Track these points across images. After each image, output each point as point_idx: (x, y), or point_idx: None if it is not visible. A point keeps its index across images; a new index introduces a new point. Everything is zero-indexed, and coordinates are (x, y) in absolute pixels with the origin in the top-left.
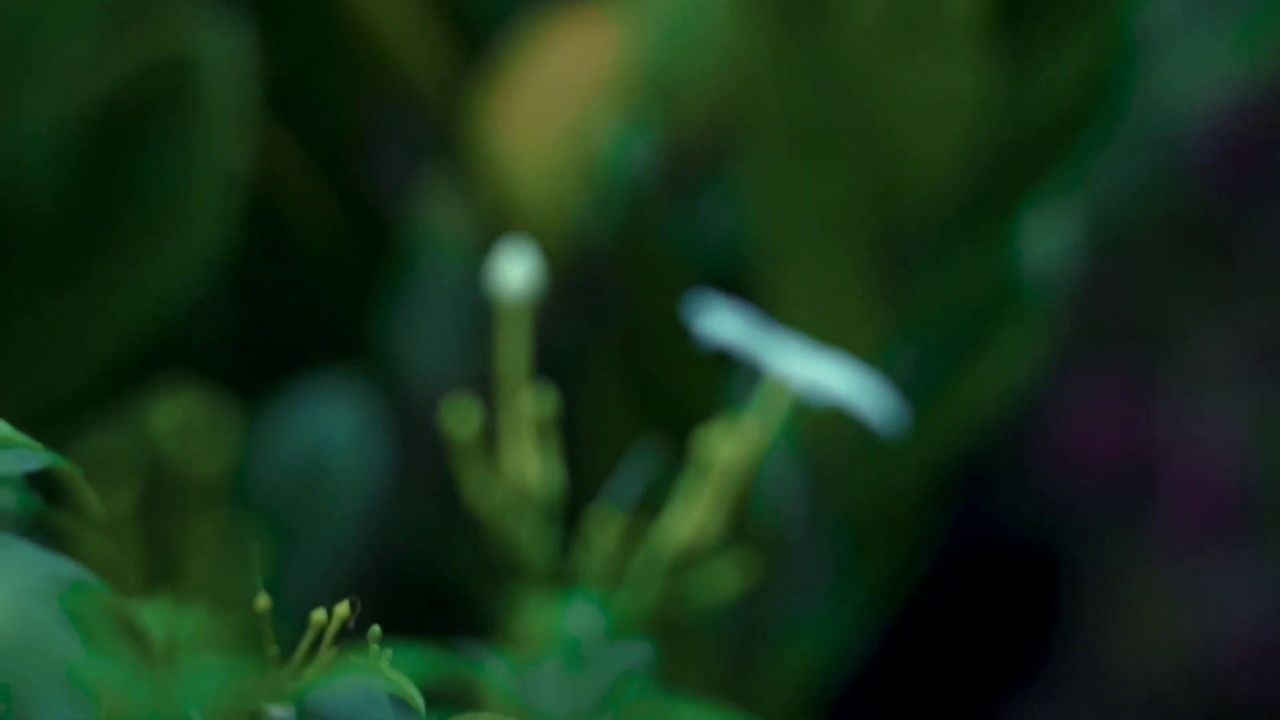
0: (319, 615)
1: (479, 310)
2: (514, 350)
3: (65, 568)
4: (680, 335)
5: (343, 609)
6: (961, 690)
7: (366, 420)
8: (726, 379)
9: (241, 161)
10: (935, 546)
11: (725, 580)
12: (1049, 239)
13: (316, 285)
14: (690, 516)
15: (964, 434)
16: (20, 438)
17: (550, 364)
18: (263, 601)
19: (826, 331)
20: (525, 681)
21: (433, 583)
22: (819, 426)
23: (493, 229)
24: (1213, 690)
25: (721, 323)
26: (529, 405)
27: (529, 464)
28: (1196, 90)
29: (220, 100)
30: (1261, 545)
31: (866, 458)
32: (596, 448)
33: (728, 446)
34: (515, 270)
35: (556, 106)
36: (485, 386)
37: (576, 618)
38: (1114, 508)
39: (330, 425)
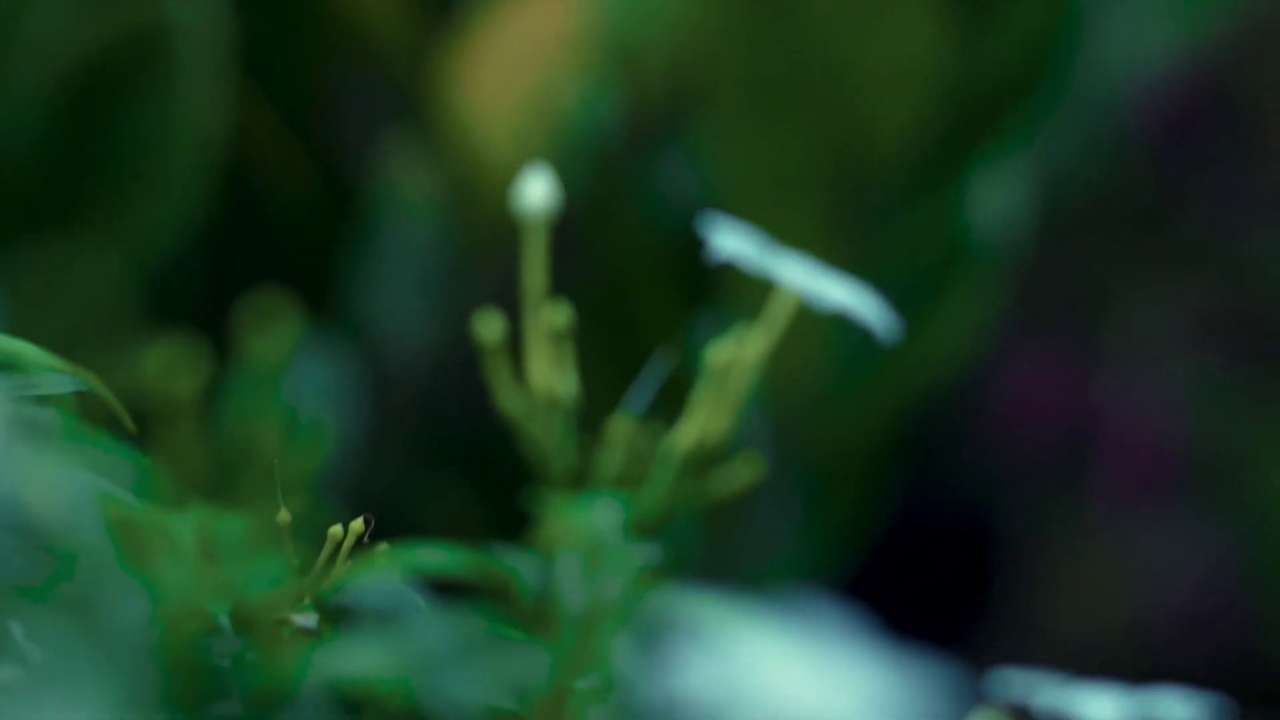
0: (335, 530)
1: (445, 266)
2: (535, 265)
3: (104, 475)
4: (645, 288)
5: (358, 524)
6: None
7: (336, 374)
8: (692, 328)
9: (215, 125)
10: (892, 501)
11: (734, 480)
12: (998, 201)
13: (286, 243)
14: (700, 421)
15: (917, 390)
16: (54, 360)
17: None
18: (283, 515)
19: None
20: (547, 577)
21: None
22: (779, 379)
23: (459, 187)
24: (1148, 651)
25: (732, 239)
26: (550, 318)
27: (550, 373)
28: (1138, 58)
29: (194, 65)
30: (1196, 510)
31: (825, 410)
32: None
33: (736, 351)
34: (537, 188)
35: (521, 68)
36: (451, 338)
37: (596, 515)
38: (1051, 472)
39: (300, 379)
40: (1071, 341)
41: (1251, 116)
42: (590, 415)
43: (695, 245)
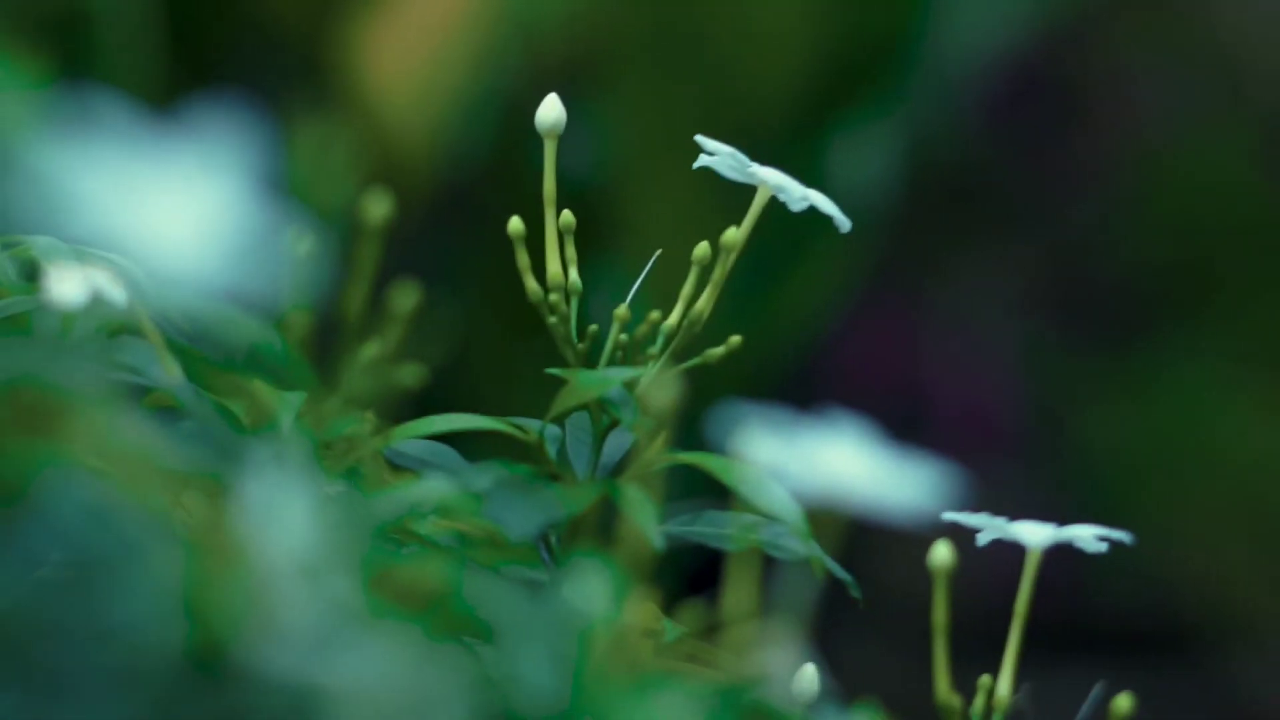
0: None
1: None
2: (550, 175)
3: None
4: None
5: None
6: None
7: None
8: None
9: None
10: None
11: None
12: (859, 165)
13: None
14: (683, 308)
15: (776, 346)
16: None
17: (427, 274)
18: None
19: (677, 241)
20: (557, 439)
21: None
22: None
23: (363, 152)
24: (984, 611)
25: (714, 152)
26: (559, 220)
27: (559, 267)
28: (981, 40)
29: (116, 47)
30: (1026, 463)
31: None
32: (469, 348)
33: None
34: (551, 110)
35: (422, 40)
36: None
37: (603, 390)
38: (889, 428)
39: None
40: (910, 304)
41: (1077, 97)
42: (503, 356)
43: (592, 197)
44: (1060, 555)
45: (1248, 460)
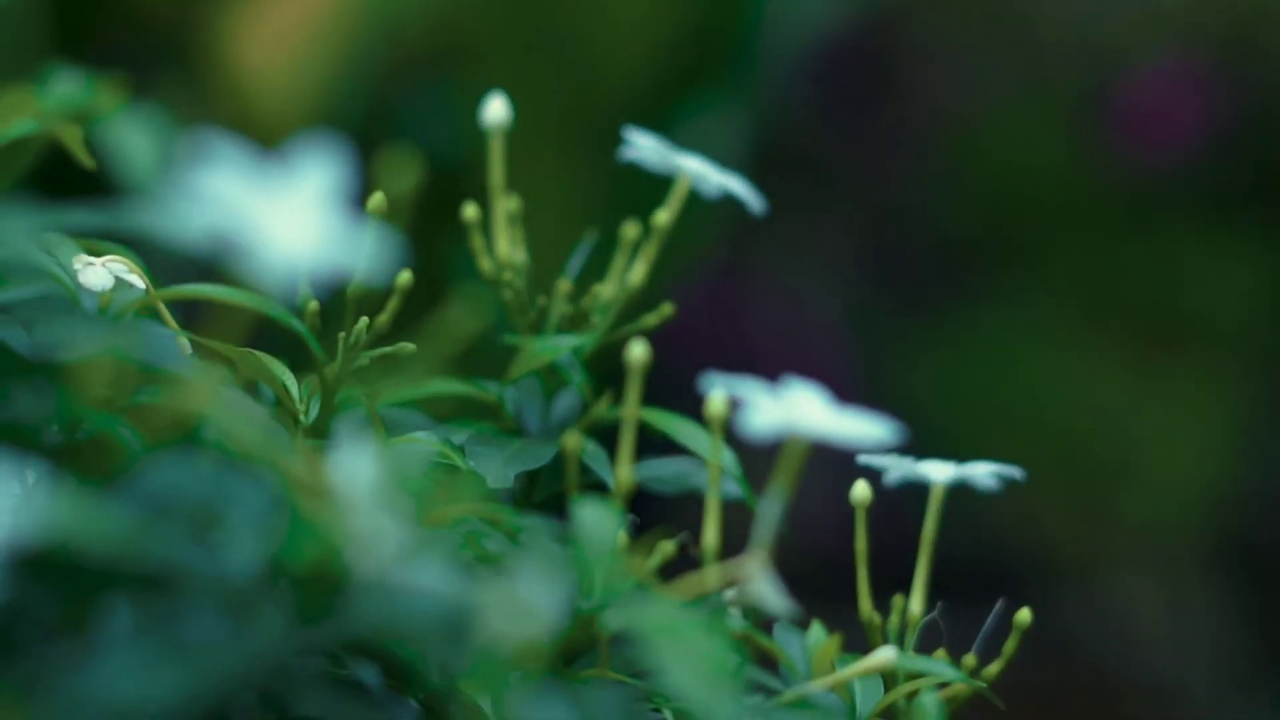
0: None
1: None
2: (497, 166)
3: None
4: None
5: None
6: None
7: None
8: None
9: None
10: None
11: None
12: (707, 146)
13: None
14: (619, 278)
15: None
16: None
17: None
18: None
19: (539, 216)
20: (513, 399)
21: None
22: None
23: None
24: (815, 553)
25: (641, 144)
26: (507, 205)
27: (507, 246)
28: (812, 14)
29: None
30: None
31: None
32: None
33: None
34: (496, 105)
35: (289, 31)
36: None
37: (554, 355)
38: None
39: None
40: (736, 271)
41: (895, 75)
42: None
43: (456, 176)
44: (886, 501)
45: (1059, 405)
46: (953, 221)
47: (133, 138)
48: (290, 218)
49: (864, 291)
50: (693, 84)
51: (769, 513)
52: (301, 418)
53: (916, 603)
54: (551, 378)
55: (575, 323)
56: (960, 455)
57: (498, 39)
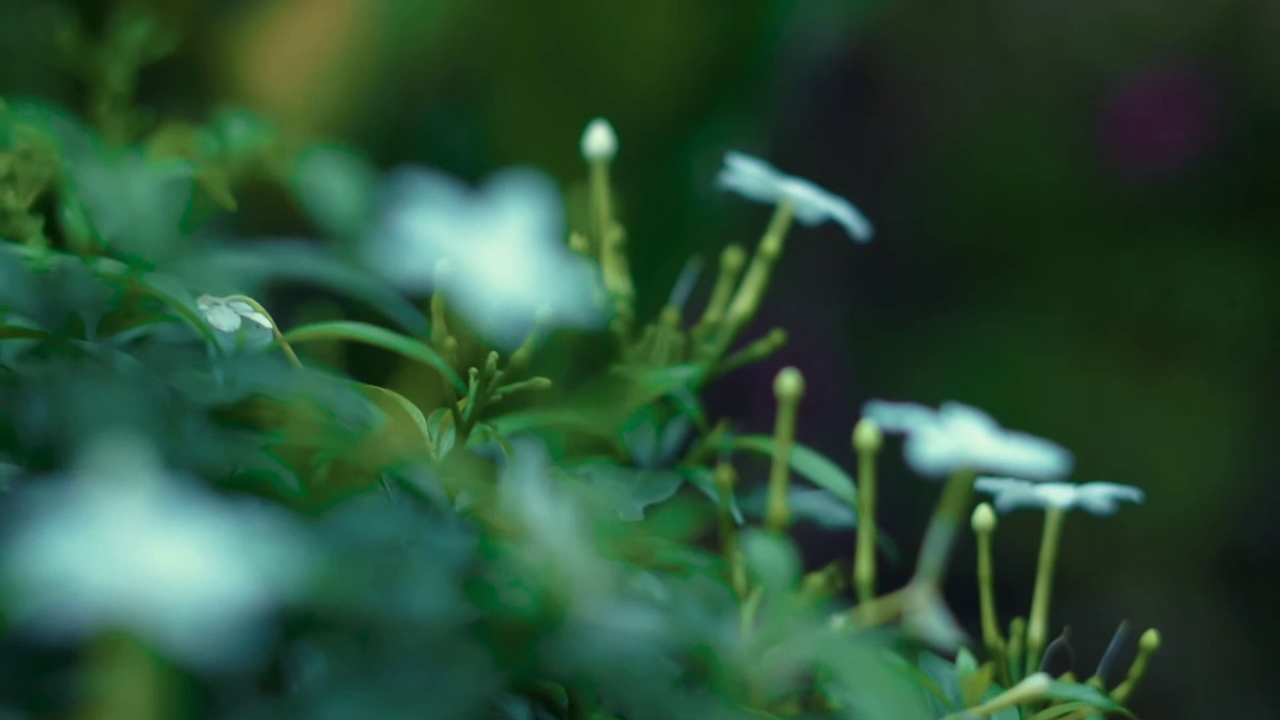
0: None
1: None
2: (601, 195)
3: None
4: None
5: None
6: None
7: None
8: None
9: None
10: None
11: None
12: (719, 162)
13: None
14: (720, 307)
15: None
16: None
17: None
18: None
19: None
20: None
21: None
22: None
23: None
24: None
25: (743, 171)
26: (612, 236)
27: (615, 275)
28: (814, 35)
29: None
30: (850, 435)
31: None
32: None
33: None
34: (600, 136)
35: (305, 57)
36: None
37: (668, 387)
38: (714, 405)
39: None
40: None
41: (887, 90)
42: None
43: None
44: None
45: (1058, 415)
46: (947, 235)
47: (333, 180)
48: (501, 259)
49: (860, 305)
50: (711, 108)
51: (937, 542)
52: (433, 454)
53: (1037, 627)
54: (661, 408)
55: (683, 352)
56: None
57: (517, 62)
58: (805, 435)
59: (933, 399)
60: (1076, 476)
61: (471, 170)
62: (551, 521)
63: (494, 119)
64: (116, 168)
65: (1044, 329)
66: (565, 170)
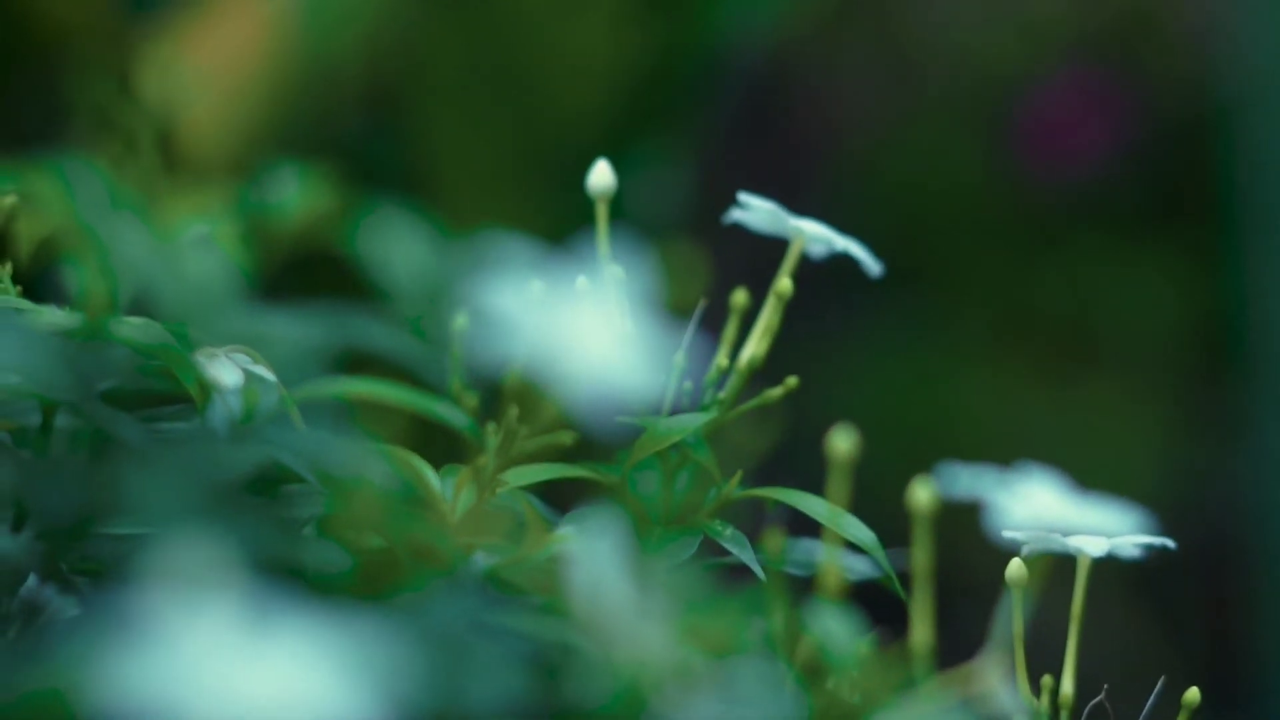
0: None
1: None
2: (604, 233)
3: None
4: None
5: None
6: None
7: None
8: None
9: None
10: None
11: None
12: (658, 180)
13: None
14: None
15: None
16: None
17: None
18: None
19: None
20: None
21: None
22: None
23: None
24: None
25: (751, 209)
26: (614, 272)
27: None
28: (737, 44)
29: None
30: (768, 453)
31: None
32: None
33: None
34: (602, 174)
35: (225, 65)
36: None
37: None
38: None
39: None
40: None
41: (800, 96)
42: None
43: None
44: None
45: (975, 424)
46: (862, 241)
47: (399, 244)
48: (590, 333)
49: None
50: (644, 122)
51: (1009, 618)
52: (449, 514)
53: (1068, 682)
54: (668, 456)
55: (692, 397)
56: (872, 477)
57: (443, 73)
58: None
59: (849, 410)
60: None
61: (396, 185)
62: (627, 606)
63: (419, 132)
64: (155, 227)
65: (960, 337)
66: (493, 184)
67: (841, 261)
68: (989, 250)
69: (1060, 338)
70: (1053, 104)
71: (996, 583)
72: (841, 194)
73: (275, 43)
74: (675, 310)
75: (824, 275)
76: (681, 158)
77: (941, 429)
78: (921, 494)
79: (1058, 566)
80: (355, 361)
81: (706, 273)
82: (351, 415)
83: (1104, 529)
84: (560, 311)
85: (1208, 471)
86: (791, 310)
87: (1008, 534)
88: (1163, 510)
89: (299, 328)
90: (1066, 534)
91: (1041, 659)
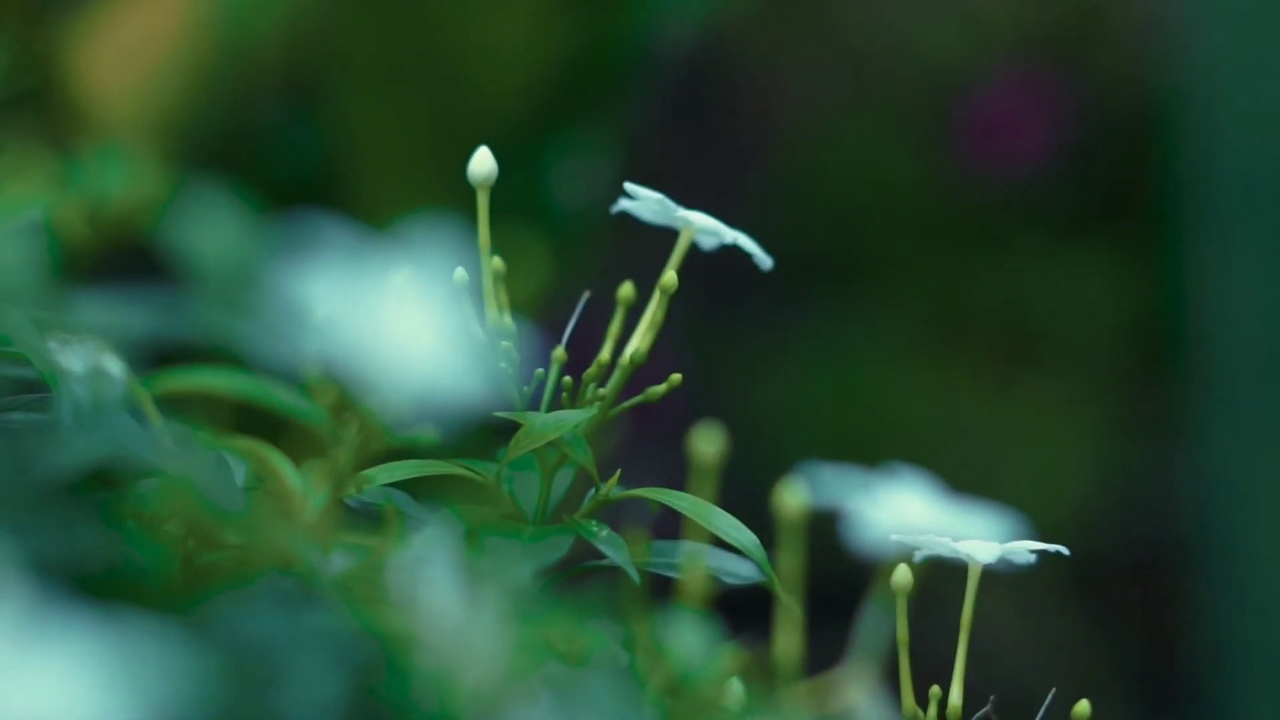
0: None
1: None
2: (484, 223)
3: None
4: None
5: None
6: None
7: None
8: None
9: None
10: None
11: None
12: (581, 172)
13: None
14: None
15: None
16: None
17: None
18: None
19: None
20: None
21: None
22: None
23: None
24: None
25: (639, 198)
26: (495, 266)
27: (497, 312)
28: (667, 35)
29: None
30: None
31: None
32: None
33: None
34: (482, 163)
35: (136, 57)
36: None
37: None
38: None
39: None
40: (585, 288)
41: (736, 89)
42: None
43: (312, 195)
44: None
45: (911, 424)
46: (798, 239)
47: (210, 228)
48: (401, 329)
49: (707, 310)
50: (569, 112)
51: (871, 630)
52: (305, 511)
53: (957, 693)
54: (549, 454)
55: (572, 393)
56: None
57: (361, 61)
58: (645, 444)
59: (781, 408)
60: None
61: (311, 173)
62: (451, 608)
63: (336, 120)
64: None
65: (894, 335)
66: (410, 174)
67: (773, 257)
68: (928, 247)
69: (998, 337)
70: (995, 100)
71: (856, 592)
72: (779, 186)
73: (192, 26)
74: (517, 304)
75: (756, 271)
76: (610, 147)
77: (876, 428)
78: (789, 497)
79: (936, 575)
80: (175, 352)
81: (548, 266)
82: (187, 408)
83: (976, 535)
84: (376, 304)
85: (1146, 472)
86: (720, 305)
87: (896, 537)
88: (1101, 510)
89: (113, 315)
90: (954, 539)
91: (931, 670)
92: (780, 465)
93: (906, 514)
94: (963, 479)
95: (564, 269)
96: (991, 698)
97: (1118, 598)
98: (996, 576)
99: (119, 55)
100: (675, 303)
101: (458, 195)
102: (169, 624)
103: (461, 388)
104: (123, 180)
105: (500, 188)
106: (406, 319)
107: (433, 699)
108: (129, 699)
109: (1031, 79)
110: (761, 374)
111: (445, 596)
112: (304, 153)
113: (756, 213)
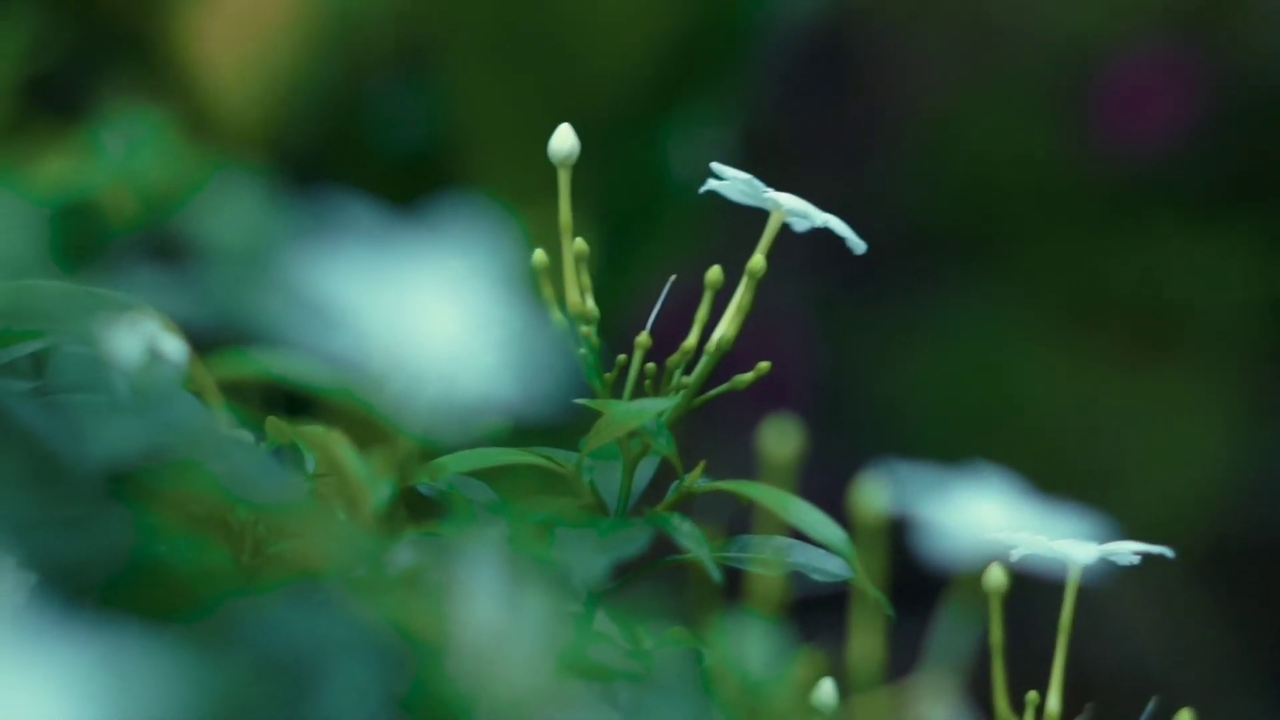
0: None
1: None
2: (565, 202)
3: None
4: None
5: None
6: None
7: None
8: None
9: None
10: None
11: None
12: (698, 144)
13: None
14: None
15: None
16: None
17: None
18: None
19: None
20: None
21: None
22: None
23: (192, 140)
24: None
25: (727, 178)
26: (576, 249)
27: (579, 297)
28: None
29: None
30: (826, 427)
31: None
32: None
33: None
34: (565, 139)
35: (251, 24)
36: None
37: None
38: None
39: None
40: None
41: (866, 65)
42: None
43: (423, 176)
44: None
45: (1041, 405)
46: (927, 215)
47: (230, 210)
48: (432, 326)
49: (834, 287)
50: (685, 85)
51: (948, 635)
52: (371, 502)
53: (1054, 700)
54: (631, 444)
55: (656, 381)
56: (935, 459)
57: (474, 32)
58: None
59: (908, 387)
60: (1059, 470)
61: (423, 146)
62: (496, 613)
63: (448, 92)
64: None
65: (1026, 315)
66: (523, 149)
67: (901, 233)
68: (1059, 225)
69: (1130, 318)
70: (1131, 75)
71: (923, 596)
72: (907, 162)
73: (304, 2)
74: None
75: (885, 248)
76: (731, 120)
77: (1004, 409)
78: (869, 496)
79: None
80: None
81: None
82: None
83: (1061, 536)
84: (401, 293)
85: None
86: (847, 281)
87: (990, 537)
88: (1234, 496)
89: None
90: (1051, 540)
91: (1014, 676)
92: (908, 446)
93: (987, 516)
94: (1093, 463)
95: (680, 246)
96: (1088, 705)
97: (1249, 584)
98: (1136, 566)
99: (231, 26)
100: (805, 279)
101: (578, 169)
102: (187, 630)
103: (505, 380)
104: (155, 161)
105: (615, 165)
106: (433, 310)
107: (469, 711)
108: (121, 711)
109: (1169, 53)
110: (891, 355)
111: (492, 600)
112: (415, 126)
113: (884, 188)
